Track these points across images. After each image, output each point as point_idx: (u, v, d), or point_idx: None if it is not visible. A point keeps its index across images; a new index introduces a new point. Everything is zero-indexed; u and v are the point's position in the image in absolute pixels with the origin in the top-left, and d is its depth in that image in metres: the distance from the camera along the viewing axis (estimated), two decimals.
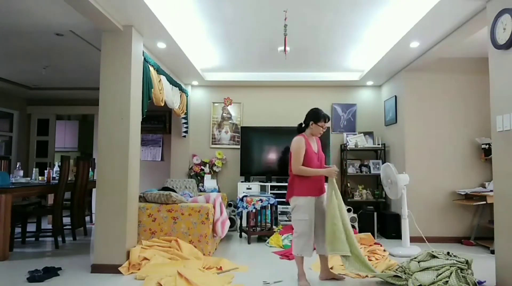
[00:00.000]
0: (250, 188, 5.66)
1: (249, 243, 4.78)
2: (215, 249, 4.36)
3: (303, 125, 3.32)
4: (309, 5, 3.50)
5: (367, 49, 4.70)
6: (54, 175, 5.02)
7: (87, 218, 5.92)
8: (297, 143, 3.15)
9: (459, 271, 2.82)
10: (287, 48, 4.07)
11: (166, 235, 3.91)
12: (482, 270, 3.34)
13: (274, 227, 5.05)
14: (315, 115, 3.22)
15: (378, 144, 5.80)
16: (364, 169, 5.80)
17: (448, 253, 3.06)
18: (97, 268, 3.45)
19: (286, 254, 4.13)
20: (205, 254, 3.88)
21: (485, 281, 3.11)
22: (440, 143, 4.99)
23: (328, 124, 3.23)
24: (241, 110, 6.28)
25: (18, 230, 4.77)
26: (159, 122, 7.22)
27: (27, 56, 5.03)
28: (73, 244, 4.70)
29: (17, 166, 5.14)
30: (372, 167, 5.78)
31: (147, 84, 3.99)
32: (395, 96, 5.40)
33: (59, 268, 3.47)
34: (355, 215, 5.18)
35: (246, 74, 5.93)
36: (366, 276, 3.32)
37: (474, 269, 3.02)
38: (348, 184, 5.83)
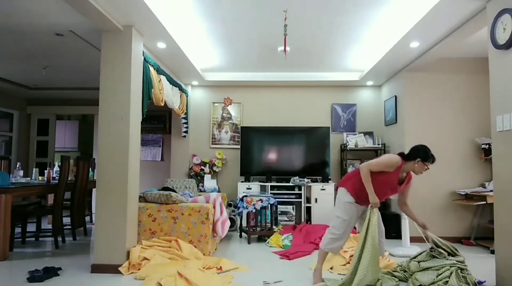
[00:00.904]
0: (250, 188, 5.66)
1: (249, 243, 4.78)
2: (215, 249, 4.36)
3: (408, 156, 3.06)
4: (309, 5, 3.50)
5: (367, 49, 4.70)
6: (54, 175, 5.02)
7: (87, 218, 5.92)
8: (393, 159, 3.00)
9: (459, 271, 2.82)
10: (287, 48, 4.07)
11: (166, 235, 3.91)
12: (482, 270, 3.34)
13: (274, 227, 5.05)
14: (425, 154, 2.99)
15: (378, 144, 5.80)
16: None
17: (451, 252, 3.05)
18: (97, 268, 3.45)
19: (286, 254, 4.13)
20: (205, 254, 3.88)
21: (485, 281, 3.11)
22: (440, 143, 4.99)
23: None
24: (241, 110, 6.28)
25: (18, 230, 4.77)
26: (159, 122, 7.22)
27: (27, 56, 5.03)
28: (73, 244, 4.70)
29: (17, 166, 5.14)
30: None
31: (147, 84, 3.99)
32: (395, 96, 5.40)
33: (59, 268, 3.48)
34: None
35: (246, 74, 5.93)
36: None
37: (474, 269, 3.02)
38: None
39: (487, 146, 4.74)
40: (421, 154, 2.99)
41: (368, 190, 2.94)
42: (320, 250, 3.17)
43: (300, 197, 5.58)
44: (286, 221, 5.56)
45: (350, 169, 5.81)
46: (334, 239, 3.08)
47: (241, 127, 6.11)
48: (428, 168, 3.01)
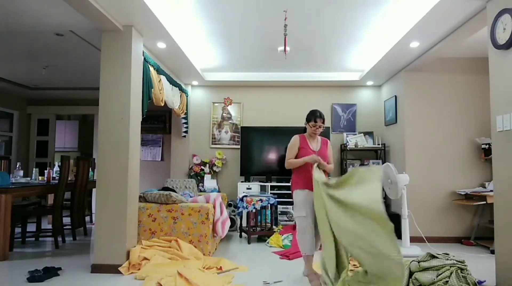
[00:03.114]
0: (250, 188, 5.66)
1: (249, 243, 4.78)
2: (215, 249, 4.36)
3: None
4: (309, 5, 3.50)
5: (367, 49, 4.70)
6: (54, 175, 5.02)
7: (87, 218, 5.92)
8: (291, 141, 3.38)
9: (459, 271, 2.82)
10: (287, 48, 4.07)
11: (166, 235, 3.91)
12: (482, 270, 3.34)
13: (274, 227, 5.05)
14: (307, 116, 3.39)
15: (378, 144, 5.80)
16: None
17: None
18: (97, 268, 3.45)
19: (286, 254, 4.13)
20: (205, 254, 3.88)
21: (485, 281, 3.12)
22: (440, 143, 4.99)
23: (321, 124, 3.32)
24: (241, 110, 6.27)
25: (18, 230, 4.77)
26: (159, 122, 7.22)
27: (27, 56, 5.03)
28: (73, 244, 4.70)
29: (17, 166, 5.14)
30: None
31: (147, 84, 3.99)
32: (395, 96, 5.40)
33: (59, 268, 3.47)
34: None
35: (246, 74, 5.93)
36: None
37: (474, 269, 3.02)
38: None
39: (487, 146, 4.74)
40: (306, 117, 3.37)
41: (299, 163, 3.26)
42: (302, 255, 3.25)
43: None
44: (286, 221, 5.56)
45: (350, 169, 5.80)
46: (302, 237, 3.18)
47: (241, 127, 6.11)
48: (316, 127, 3.30)
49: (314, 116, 3.31)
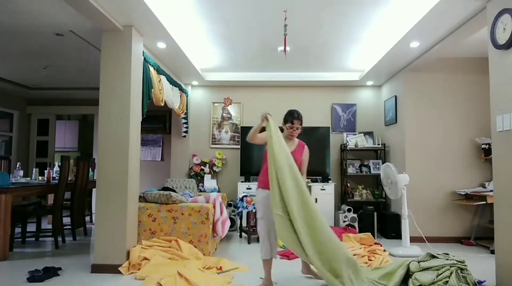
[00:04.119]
0: (250, 188, 5.65)
1: (249, 243, 4.78)
2: (215, 249, 4.35)
3: None
4: (309, 5, 3.50)
5: (367, 49, 4.70)
6: (54, 175, 5.02)
7: (87, 218, 5.92)
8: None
9: (459, 271, 2.83)
10: (287, 48, 4.07)
11: (166, 235, 3.91)
12: (482, 270, 3.33)
13: None
14: (284, 116, 3.15)
15: (378, 144, 5.80)
16: (364, 169, 5.80)
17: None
18: (97, 268, 3.45)
19: (286, 254, 4.12)
20: (205, 254, 3.88)
21: (485, 281, 3.11)
22: (440, 143, 4.99)
23: (298, 125, 3.07)
24: (241, 110, 6.27)
25: (18, 230, 4.76)
26: (159, 122, 7.22)
27: (27, 56, 5.03)
28: (73, 244, 4.70)
29: (17, 166, 5.14)
30: (372, 167, 5.78)
31: (147, 84, 3.99)
32: (395, 96, 5.40)
33: (59, 268, 3.47)
34: (355, 215, 5.19)
35: (246, 74, 5.93)
36: None
37: (474, 269, 3.02)
38: (348, 184, 5.83)
39: (487, 146, 4.74)
40: (283, 118, 3.13)
41: (254, 130, 3.05)
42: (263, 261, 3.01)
43: None
44: None
45: (350, 169, 5.81)
46: (260, 240, 3.01)
47: (241, 127, 6.10)
48: (294, 129, 3.07)
49: (291, 117, 3.05)
